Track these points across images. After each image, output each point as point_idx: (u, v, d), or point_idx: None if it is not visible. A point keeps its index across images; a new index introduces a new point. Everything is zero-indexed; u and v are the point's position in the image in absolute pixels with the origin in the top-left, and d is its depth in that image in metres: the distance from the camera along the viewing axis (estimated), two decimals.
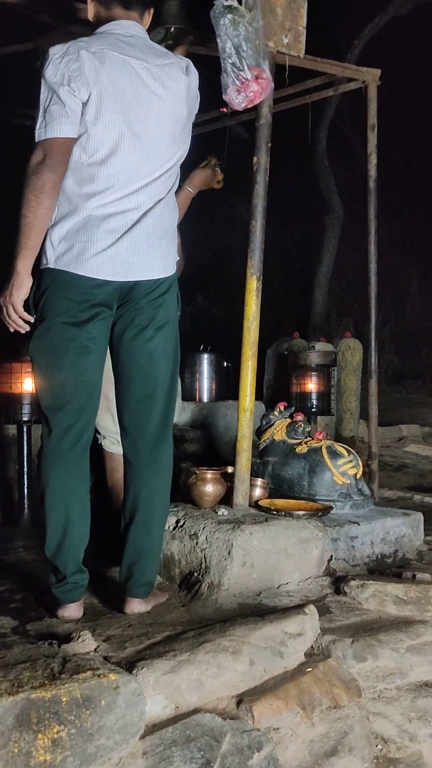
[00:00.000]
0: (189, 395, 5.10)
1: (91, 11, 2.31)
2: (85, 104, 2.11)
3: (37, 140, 2.10)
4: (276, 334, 6.99)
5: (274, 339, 6.51)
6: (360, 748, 1.90)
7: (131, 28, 2.26)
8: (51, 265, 2.18)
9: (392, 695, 2.08)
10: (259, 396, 4.35)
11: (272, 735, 1.80)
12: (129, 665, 1.79)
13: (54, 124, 2.09)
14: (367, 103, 3.75)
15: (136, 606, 2.28)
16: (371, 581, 2.44)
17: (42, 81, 2.12)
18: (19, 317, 2.17)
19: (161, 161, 2.22)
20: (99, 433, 3.02)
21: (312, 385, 5.23)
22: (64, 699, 1.52)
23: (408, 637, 2.18)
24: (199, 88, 2.32)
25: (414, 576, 2.58)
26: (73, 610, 2.24)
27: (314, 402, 5.21)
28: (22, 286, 2.13)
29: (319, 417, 5.40)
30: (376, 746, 1.98)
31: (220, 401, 4.95)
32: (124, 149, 2.16)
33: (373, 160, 3.79)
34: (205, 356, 5.23)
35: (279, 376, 6.08)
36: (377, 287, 3.85)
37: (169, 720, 1.72)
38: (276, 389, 6.08)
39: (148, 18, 2.35)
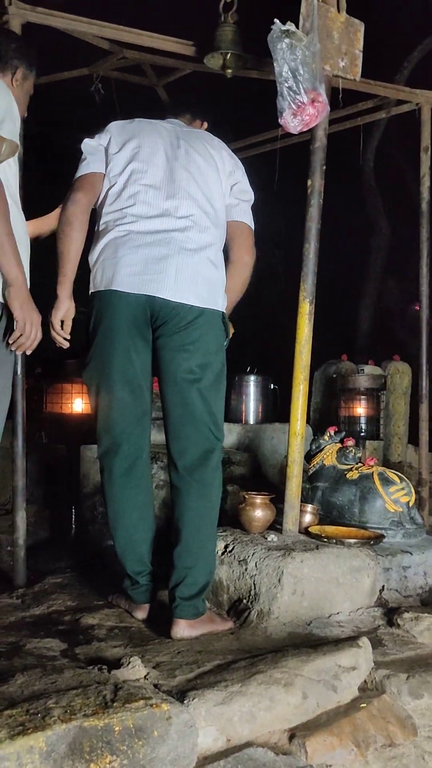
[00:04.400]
0: (235, 417, 5.06)
1: None
2: None
3: None
4: (322, 356, 6.90)
5: (320, 361, 6.44)
6: None
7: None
8: None
9: None
10: (306, 419, 4.30)
11: None
12: (180, 694, 1.75)
13: None
14: (420, 124, 3.74)
15: (182, 628, 2.24)
16: (426, 614, 2.37)
17: None
18: (57, 334, 2.37)
19: None
20: None
21: (361, 409, 5.16)
22: (117, 728, 1.50)
23: None
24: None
25: None
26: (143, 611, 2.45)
27: (363, 426, 5.13)
28: (59, 308, 2.34)
29: (367, 441, 5.32)
30: None
31: (266, 423, 4.91)
32: None
33: (426, 182, 3.77)
34: (252, 378, 5.20)
35: (327, 400, 5.99)
36: (429, 310, 3.81)
37: (220, 753, 1.68)
38: (323, 412, 6.00)
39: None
